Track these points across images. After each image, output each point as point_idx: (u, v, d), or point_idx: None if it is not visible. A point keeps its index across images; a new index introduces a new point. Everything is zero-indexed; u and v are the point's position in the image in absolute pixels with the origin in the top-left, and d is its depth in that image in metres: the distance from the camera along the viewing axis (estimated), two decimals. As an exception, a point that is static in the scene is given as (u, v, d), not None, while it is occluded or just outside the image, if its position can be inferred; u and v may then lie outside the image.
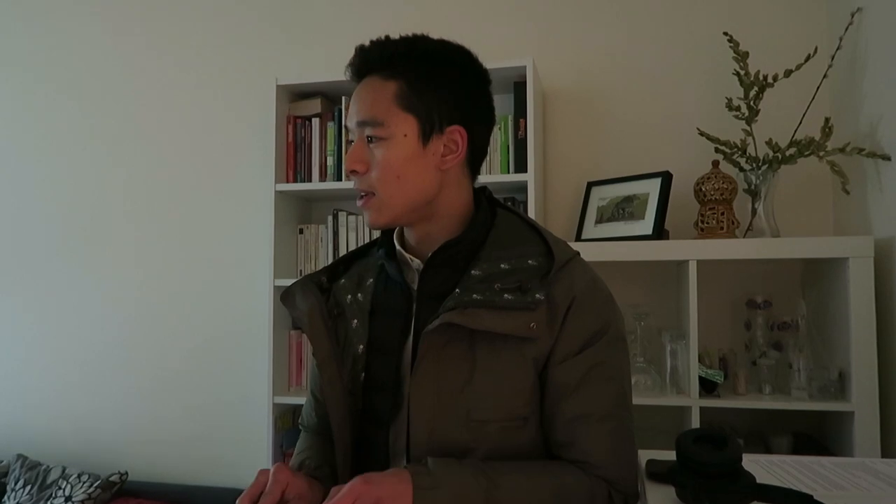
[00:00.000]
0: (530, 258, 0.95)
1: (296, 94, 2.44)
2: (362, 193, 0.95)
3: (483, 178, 2.17)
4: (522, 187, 2.16)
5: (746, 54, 1.97)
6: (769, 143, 1.97)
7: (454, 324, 0.88)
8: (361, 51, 0.97)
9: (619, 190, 2.14)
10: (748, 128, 2.00)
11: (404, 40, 0.96)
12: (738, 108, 2.01)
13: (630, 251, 1.94)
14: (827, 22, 2.17)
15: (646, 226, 2.01)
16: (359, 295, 1.03)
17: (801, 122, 2.00)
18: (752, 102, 1.99)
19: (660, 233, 1.99)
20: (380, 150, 0.93)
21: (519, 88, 2.18)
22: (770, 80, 1.96)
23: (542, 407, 0.93)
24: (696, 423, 1.83)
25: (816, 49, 1.97)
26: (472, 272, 0.93)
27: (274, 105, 2.34)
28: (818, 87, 2.01)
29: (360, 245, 1.16)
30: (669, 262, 2.03)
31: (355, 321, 1.00)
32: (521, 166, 2.16)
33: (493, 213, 1.02)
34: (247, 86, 2.69)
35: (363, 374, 0.98)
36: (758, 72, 1.97)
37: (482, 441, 0.90)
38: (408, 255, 1.00)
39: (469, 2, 2.49)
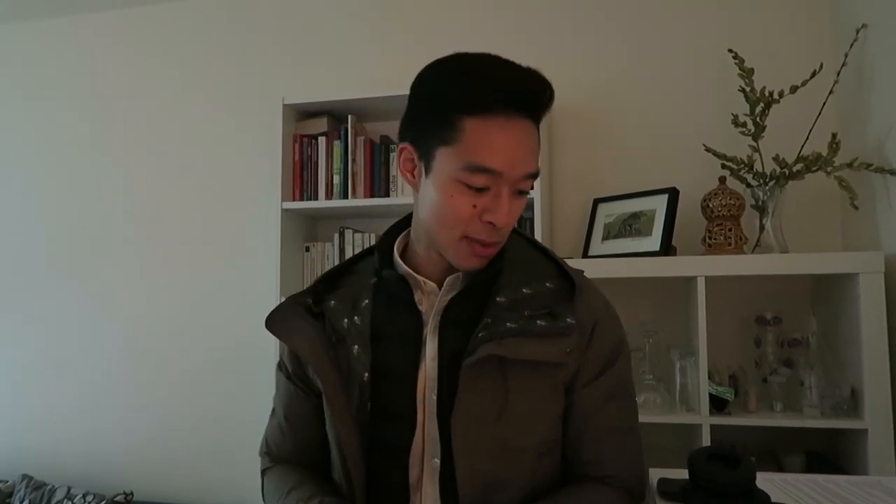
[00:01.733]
0: (547, 281, 0.95)
1: (302, 113, 2.45)
2: (491, 243, 0.89)
3: (489, 196, 2.19)
4: (529, 204, 2.15)
5: (752, 71, 1.98)
6: (776, 158, 1.97)
7: (492, 354, 0.87)
8: (538, 85, 0.85)
9: (626, 206, 2.14)
10: (755, 144, 2.00)
11: (552, 90, 0.88)
12: (744, 125, 2.01)
13: (637, 268, 1.93)
14: (832, 38, 2.18)
15: (653, 242, 2.00)
16: (356, 318, 0.96)
17: (807, 138, 2.00)
18: (758, 118, 1.99)
19: (667, 249, 1.98)
20: (522, 203, 0.90)
21: (524, 106, 2.18)
22: (776, 96, 1.96)
23: (566, 427, 0.95)
24: (706, 441, 1.81)
25: (822, 65, 1.97)
26: (498, 299, 0.92)
27: (280, 124, 2.36)
28: (824, 103, 2.00)
29: (337, 264, 1.08)
30: (677, 278, 2.02)
31: (356, 347, 0.94)
32: (527, 183, 2.16)
33: None
34: (254, 105, 2.71)
35: (370, 404, 0.93)
36: (763, 88, 1.97)
37: (517, 469, 0.91)
38: (420, 278, 0.96)
39: (474, 20, 2.50)
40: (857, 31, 1.94)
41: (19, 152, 2.98)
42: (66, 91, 2.94)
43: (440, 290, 0.95)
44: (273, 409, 1.10)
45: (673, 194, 2.04)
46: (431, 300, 0.95)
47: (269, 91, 2.65)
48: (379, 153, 2.35)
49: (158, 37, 2.86)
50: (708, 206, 1.99)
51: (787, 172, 1.95)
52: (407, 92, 2.36)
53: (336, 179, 2.35)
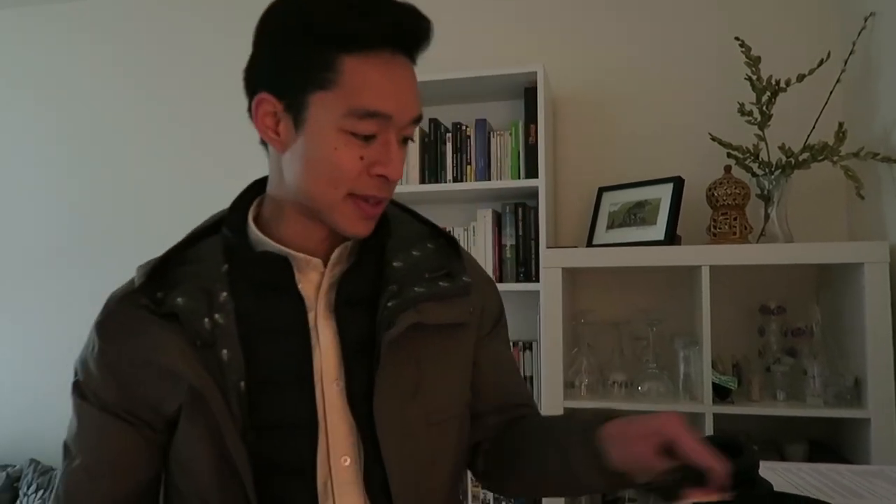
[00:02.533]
0: (426, 241, 0.89)
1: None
2: (380, 199, 0.79)
3: (493, 184, 2.20)
4: (533, 193, 2.15)
5: (758, 59, 1.97)
6: (782, 147, 1.96)
7: (414, 323, 0.79)
8: (420, 20, 0.76)
9: (631, 195, 2.13)
10: (761, 133, 1.99)
11: (431, 24, 0.78)
12: (750, 114, 2.00)
13: (642, 257, 1.93)
14: (840, 26, 2.16)
15: (658, 231, 2.00)
16: (217, 316, 0.78)
17: (814, 127, 1.99)
18: (764, 107, 1.98)
19: (672, 238, 1.98)
20: (406, 152, 0.80)
21: (529, 94, 2.18)
22: (783, 84, 1.95)
23: (482, 381, 0.92)
24: (709, 430, 1.82)
25: (830, 54, 1.96)
26: (395, 264, 0.83)
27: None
28: (831, 92, 1.99)
29: (162, 253, 0.83)
30: (682, 267, 2.02)
31: (225, 351, 0.77)
32: (531, 172, 2.16)
33: None
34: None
35: (250, 418, 0.77)
36: (770, 76, 1.96)
37: (444, 444, 0.85)
38: (300, 255, 0.81)
39: (479, 8, 2.49)
40: (866, 20, 1.92)
41: (36, 152, 2.98)
42: (65, 85, 2.94)
43: (325, 265, 0.83)
44: (67, 450, 0.82)
45: (678, 183, 2.04)
46: (313, 280, 0.83)
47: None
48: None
49: (181, 24, 2.85)
50: (713, 195, 1.99)
51: (792, 162, 1.94)
52: (437, 77, 2.30)
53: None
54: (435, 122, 2.31)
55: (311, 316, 0.81)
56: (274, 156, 0.81)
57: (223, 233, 0.85)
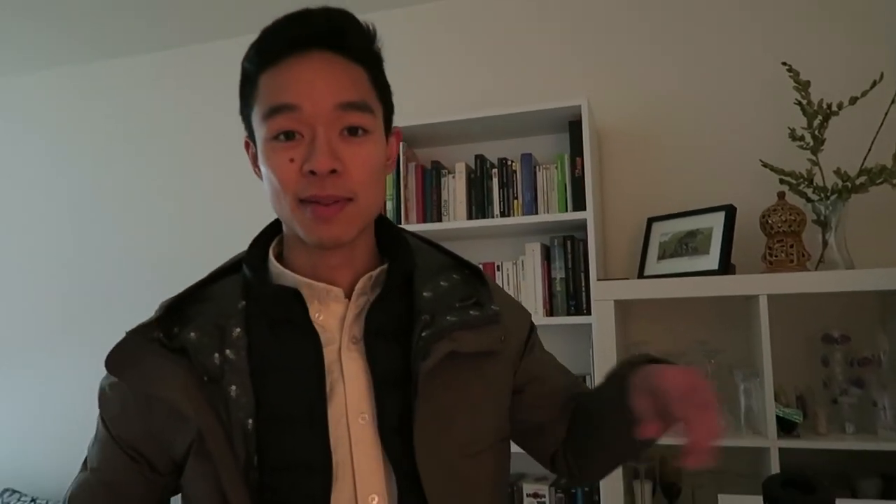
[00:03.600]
0: (451, 272, 0.88)
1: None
2: (333, 200, 0.74)
3: (540, 218, 2.20)
4: (581, 225, 2.14)
5: (808, 83, 1.94)
6: (837, 172, 1.91)
7: (449, 352, 0.78)
8: (304, 17, 0.76)
9: (682, 225, 2.10)
10: (814, 157, 1.95)
11: (344, 13, 0.78)
12: (801, 138, 1.97)
13: (696, 287, 1.90)
14: (891, 46, 2.12)
15: (711, 260, 1.96)
16: (227, 352, 0.76)
17: (870, 150, 1.94)
18: (816, 131, 1.94)
19: (726, 267, 1.94)
20: (365, 146, 0.76)
21: (574, 127, 2.19)
22: (835, 108, 1.91)
23: (536, 398, 0.93)
24: (775, 465, 1.75)
25: (882, 75, 1.92)
26: (425, 294, 0.82)
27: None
28: (886, 113, 1.95)
29: (180, 292, 0.82)
30: (737, 297, 1.97)
31: (233, 388, 0.75)
32: (579, 204, 2.16)
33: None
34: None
35: (256, 457, 0.74)
36: (821, 100, 1.92)
37: (480, 475, 0.82)
38: (321, 285, 0.79)
39: (521, 44, 2.52)
40: (919, 39, 1.88)
41: (66, 193, 3.12)
42: (121, 131, 3.08)
43: (346, 296, 0.81)
44: (85, 462, 0.84)
45: (730, 211, 2.00)
46: (335, 311, 0.80)
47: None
48: (430, 178, 2.38)
49: (219, 70, 2.97)
50: (767, 222, 1.95)
51: (849, 186, 1.89)
52: (456, 118, 2.37)
53: (388, 205, 2.39)
54: (480, 158, 2.34)
55: (331, 349, 0.78)
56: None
57: (242, 270, 0.84)
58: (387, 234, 0.88)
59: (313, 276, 0.80)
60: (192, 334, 0.76)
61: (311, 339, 0.78)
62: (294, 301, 0.79)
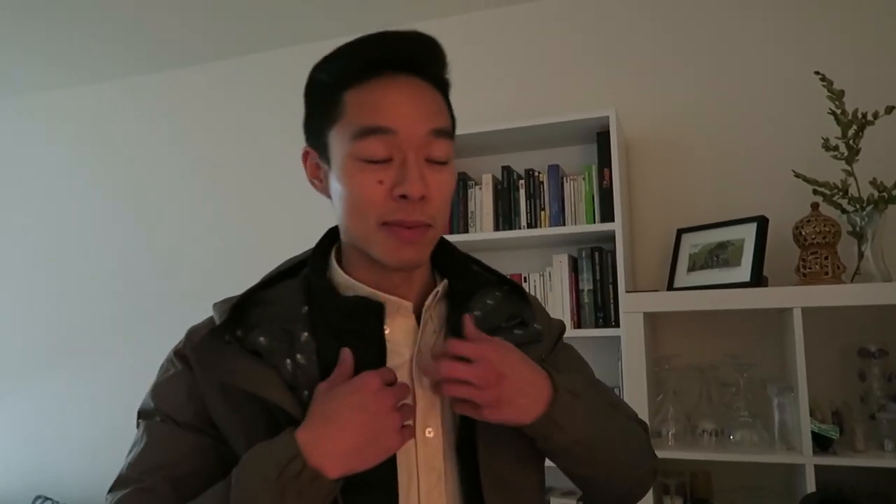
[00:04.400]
0: (495, 289, 0.89)
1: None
2: (416, 226, 0.75)
3: (568, 229, 2.19)
4: (610, 237, 2.13)
5: (842, 93, 1.90)
6: (873, 182, 1.87)
7: None
8: (398, 39, 0.76)
9: (712, 236, 2.08)
10: (849, 167, 1.91)
11: (433, 39, 0.79)
12: (835, 148, 1.93)
13: (728, 299, 1.87)
14: (928, 54, 2.07)
15: (743, 272, 1.93)
16: (298, 357, 0.75)
17: (907, 159, 1.90)
18: (851, 141, 1.91)
19: (758, 280, 1.91)
20: (445, 174, 0.78)
21: (602, 138, 2.18)
22: (870, 117, 1.88)
23: None
24: (810, 482, 1.70)
25: (919, 83, 1.88)
26: (476, 314, 0.83)
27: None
28: (924, 122, 1.90)
29: (240, 293, 0.81)
30: (770, 310, 1.94)
31: (305, 393, 0.74)
32: (607, 216, 2.14)
33: None
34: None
35: None
36: (856, 110, 1.89)
37: (530, 482, 0.86)
38: (394, 298, 0.80)
39: (548, 54, 2.52)
40: (957, 46, 1.84)
41: (102, 198, 3.18)
42: (158, 144, 3.14)
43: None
44: (122, 480, 0.78)
45: (762, 222, 1.97)
46: (402, 325, 0.81)
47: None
48: (457, 189, 2.38)
49: (251, 85, 3.02)
50: (800, 233, 1.91)
51: (885, 196, 1.85)
52: (483, 129, 2.37)
53: (416, 217, 2.39)
54: (507, 170, 2.33)
55: (398, 363, 0.78)
56: (333, 205, 0.82)
57: (304, 274, 0.84)
58: (438, 248, 0.88)
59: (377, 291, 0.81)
60: (262, 338, 0.76)
61: (381, 352, 0.78)
62: (369, 313, 0.79)
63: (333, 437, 0.68)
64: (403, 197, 0.73)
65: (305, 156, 0.84)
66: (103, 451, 2.96)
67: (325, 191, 0.82)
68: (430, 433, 0.78)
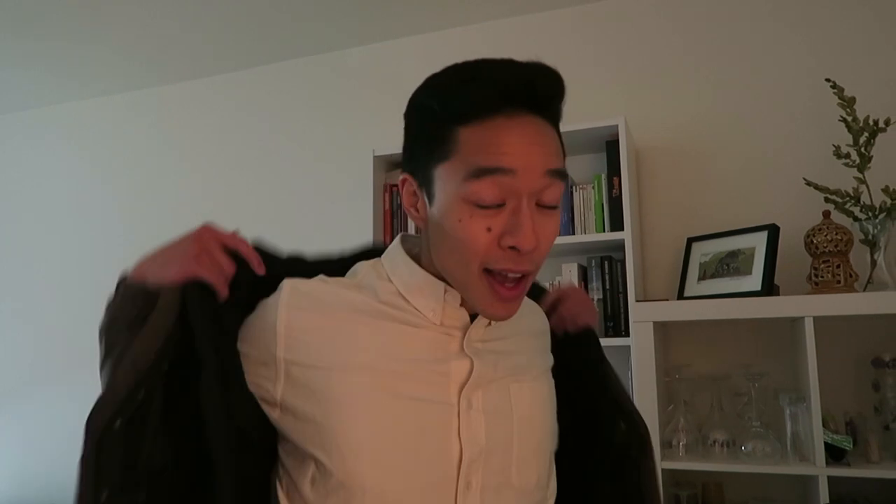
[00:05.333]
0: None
1: (392, 164, 2.53)
2: (519, 275, 0.73)
3: (578, 238, 2.18)
4: (619, 246, 2.12)
5: (853, 100, 1.89)
6: (885, 190, 1.86)
7: None
8: (537, 74, 0.73)
9: (722, 245, 2.06)
10: (861, 175, 1.90)
11: (559, 77, 0.76)
12: (847, 156, 1.92)
13: (739, 308, 1.85)
14: (940, 61, 2.06)
15: (754, 281, 1.92)
16: None
17: (920, 167, 1.88)
18: (862, 149, 1.89)
19: (770, 288, 1.89)
20: (554, 219, 0.74)
21: (611, 147, 2.17)
22: (881, 124, 1.86)
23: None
24: (823, 494, 1.68)
25: (931, 90, 1.87)
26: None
27: (371, 175, 2.44)
28: (937, 129, 1.89)
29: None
30: (782, 319, 1.92)
31: None
32: (616, 225, 2.13)
33: None
34: (345, 158, 2.82)
35: None
36: (867, 117, 1.88)
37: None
38: (440, 282, 0.80)
39: (557, 63, 2.52)
40: (970, 53, 1.83)
41: (119, 201, 3.21)
42: (163, 155, 3.17)
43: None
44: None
45: (773, 231, 1.96)
46: (456, 315, 0.84)
47: (360, 144, 2.76)
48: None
49: (256, 99, 3.05)
50: (812, 242, 1.90)
51: (898, 204, 1.84)
52: None
53: (425, 226, 2.40)
54: (517, 179, 2.33)
55: (454, 349, 0.82)
56: (422, 233, 0.81)
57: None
58: None
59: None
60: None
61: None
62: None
63: (148, 257, 0.78)
64: (513, 248, 0.70)
65: (403, 182, 0.80)
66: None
67: (421, 221, 0.79)
68: (471, 405, 0.79)
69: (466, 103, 0.71)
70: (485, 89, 0.71)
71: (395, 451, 0.74)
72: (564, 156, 0.77)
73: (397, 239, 0.86)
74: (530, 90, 0.72)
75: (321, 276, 0.83)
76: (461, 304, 0.80)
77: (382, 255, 0.87)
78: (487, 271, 0.72)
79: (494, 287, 0.72)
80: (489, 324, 0.83)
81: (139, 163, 3.22)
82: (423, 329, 0.79)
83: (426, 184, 0.76)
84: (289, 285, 0.79)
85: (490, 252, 0.71)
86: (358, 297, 0.80)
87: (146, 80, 3.18)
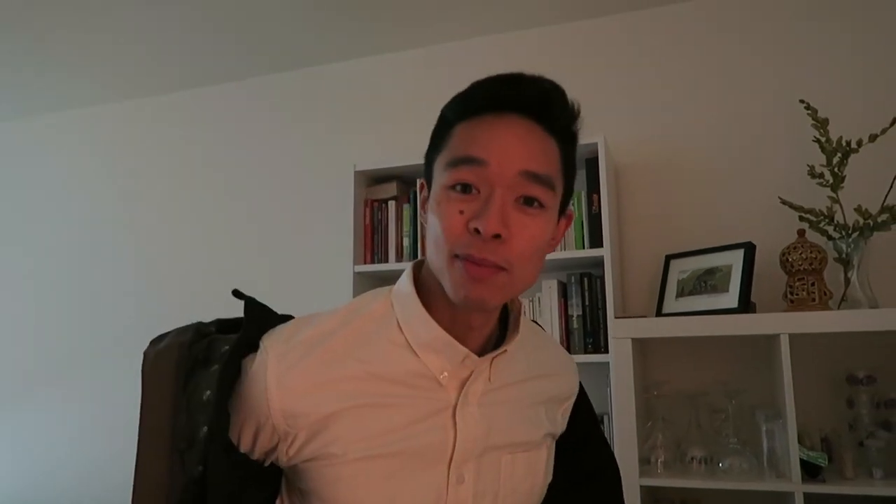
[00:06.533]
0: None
1: (372, 179, 2.53)
2: (484, 264, 0.71)
3: (557, 255, 2.19)
4: (598, 262, 2.13)
5: (826, 121, 1.93)
6: (858, 209, 1.89)
7: None
8: (516, 80, 0.76)
9: (700, 262, 2.09)
10: (834, 195, 1.93)
11: (555, 86, 0.78)
12: (821, 175, 1.96)
13: (716, 325, 1.87)
14: (910, 84, 2.11)
15: (731, 299, 1.94)
16: None
17: (891, 187, 1.92)
18: (836, 169, 1.93)
19: (746, 306, 1.91)
20: (536, 220, 0.73)
21: (591, 164, 2.19)
22: (854, 145, 1.90)
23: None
24: (800, 510, 1.70)
25: (902, 112, 1.91)
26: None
27: (352, 190, 2.44)
28: (907, 151, 1.93)
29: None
30: (758, 336, 1.94)
31: None
32: (595, 241, 2.15)
33: None
34: (327, 173, 2.82)
35: None
36: (840, 137, 1.91)
37: None
38: (463, 350, 0.78)
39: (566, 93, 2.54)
40: (938, 77, 1.88)
41: (105, 213, 3.18)
42: (146, 167, 3.14)
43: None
44: None
45: (749, 249, 1.99)
46: (460, 374, 0.82)
47: (341, 159, 2.76)
48: (447, 215, 2.39)
49: (239, 112, 3.04)
50: (787, 260, 1.93)
51: (871, 223, 1.87)
52: None
53: (406, 242, 2.40)
54: (497, 195, 2.34)
55: (443, 405, 0.81)
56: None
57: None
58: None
59: (450, 331, 0.78)
60: None
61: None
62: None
63: None
64: (477, 231, 0.70)
65: (420, 188, 0.83)
66: (93, 477, 2.92)
67: (426, 221, 0.80)
68: (462, 479, 0.78)
69: (466, 103, 0.77)
70: (483, 90, 0.76)
71: None
72: (567, 172, 0.79)
73: (408, 270, 0.83)
74: (516, 90, 0.75)
75: (306, 339, 0.77)
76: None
77: (393, 292, 0.83)
78: (456, 257, 0.72)
79: (465, 266, 0.71)
80: (489, 379, 0.81)
81: (125, 173, 3.19)
82: (419, 399, 0.78)
83: (429, 182, 0.79)
84: (273, 373, 0.75)
85: (460, 236, 0.72)
86: (349, 373, 0.76)
87: (125, 93, 3.16)
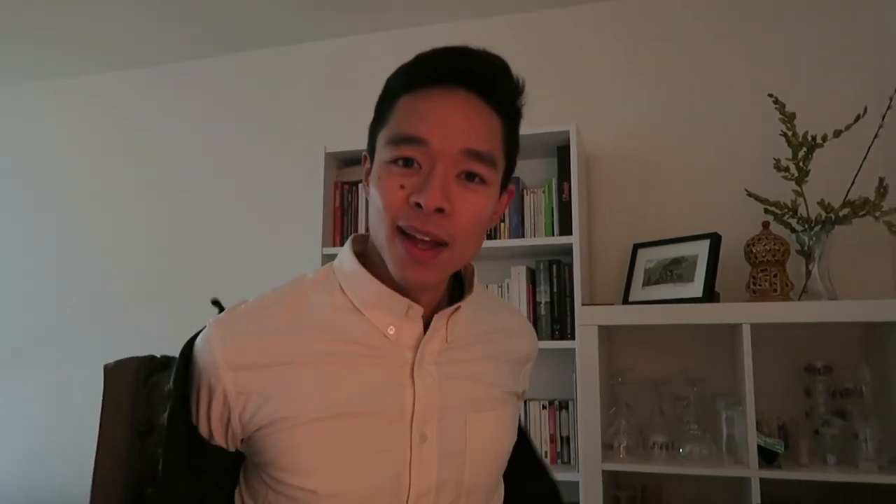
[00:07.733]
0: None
1: (343, 161, 2.50)
2: (427, 239, 0.72)
3: (527, 241, 2.20)
4: (567, 250, 2.15)
5: (793, 115, 1.96)
6: (821, 203, 1.93)
7: None
8: (463, 54, 0.76)
9: (667, 252, 2.11)
10: (798, 188, 1.97)
11: (501, 61, 0.77)
12: (786, 169, 1.99)
13: (680, 314, 1.90)
14: (876, 81, 2.15)
15: (695, 288, 1.97)
16: None
17: (853, 183, 1.96)
18: (801, 163, 1.96)
19: (710, 295, 1.94)
20: (478, 195, 0.74)
21: (562, 152, 2.20)
22: (819, 140, 1.94)
23: None
24: (755, 495, 1.74)
25: (866, 109, 1.95)
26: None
27: (322, 171, 2.41)
28: (869, 147, 1.97)
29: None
30: (722, 325, 1.98)
31: None
32: (565, 229, 2.16)
33: None
34: (297, 153, 2.78)
35: None
36: (806, 132, 1.95)
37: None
38: (406, 301, 0.78)
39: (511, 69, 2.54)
40: (902, 75, 1.91)
41: (79, 199, 3.10)
42: (108, 144, 3.07)
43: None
44: None
45: (715, 239, 2.01)
46: (410, 329, 0.82)
47: (312, 140, 2.72)
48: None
49: (209, 90, 2.98)
50: (751, 251, 1.96)
51: (833, 217, 1.91)
52: None
53: (376, 225, 2.38)
54: (469, 181, 2.34)
55: (400, 363, 0.81)
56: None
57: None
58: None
59: (397, 289, 0.78)
60: None
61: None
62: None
63: None
64: (419, 205, 0.70)
65: (364, 159, 0.83)
66: (49, 458, 2.87)
67: (368, 194, 0.81)
68: (425, 438, 0.78)
69: (410, 74, 0.76)
70: (429, 62, 0.76)
71: (348, 480, 0.74)
72: (509, 148, 0.79)
73: (348, 243, 0.85)
74: (464, 65, 0.75)
75: (248, 308, 0.79)
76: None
77: (335, 262, 0.84)
78: (401, 231, 0.72)
79: (407, 247, 0.72)
80: (446, 339, 0.81)
81: (87, 150, 3.12)
82: (373, 358, 0.77)
83: (372, 154, 0.79)
84: (217, 333, 0.76)
85: (401, 209, 0.72)
86: (295, 333, 0.76)
87: (94, 68, 3.07)
